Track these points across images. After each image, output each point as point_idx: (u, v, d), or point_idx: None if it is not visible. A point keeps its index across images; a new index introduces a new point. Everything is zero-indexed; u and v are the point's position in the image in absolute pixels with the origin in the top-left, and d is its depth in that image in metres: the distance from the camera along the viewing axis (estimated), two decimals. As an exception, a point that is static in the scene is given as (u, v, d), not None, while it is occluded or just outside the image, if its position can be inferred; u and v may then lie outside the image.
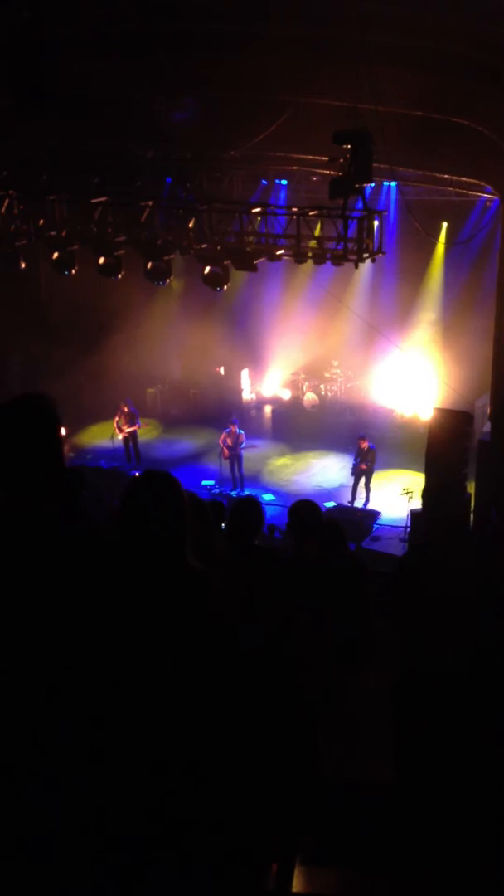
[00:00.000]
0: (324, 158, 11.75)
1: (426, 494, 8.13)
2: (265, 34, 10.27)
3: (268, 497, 15.78)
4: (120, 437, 17.46)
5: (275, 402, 21.27)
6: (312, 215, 13.13)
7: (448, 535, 4.54)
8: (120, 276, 14.56)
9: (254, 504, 4.66)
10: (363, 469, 15.58)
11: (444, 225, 18.14)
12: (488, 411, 14.30)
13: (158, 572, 2.24)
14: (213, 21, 10.51)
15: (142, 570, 2.24)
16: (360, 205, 11.87)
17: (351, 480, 15.86)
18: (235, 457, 16.45)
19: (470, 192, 15.83)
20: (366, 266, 13.37)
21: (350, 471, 15.85)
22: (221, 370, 21.55)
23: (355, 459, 15.72)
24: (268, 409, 21.21)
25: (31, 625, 2.00)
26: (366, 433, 16.08)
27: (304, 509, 5.03)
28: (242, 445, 16.46)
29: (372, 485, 15.70)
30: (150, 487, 2.38)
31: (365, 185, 11.36)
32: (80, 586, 2.06)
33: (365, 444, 15.51)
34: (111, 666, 2.06)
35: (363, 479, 15.66)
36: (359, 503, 15.53)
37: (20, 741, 1.97)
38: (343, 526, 5.71)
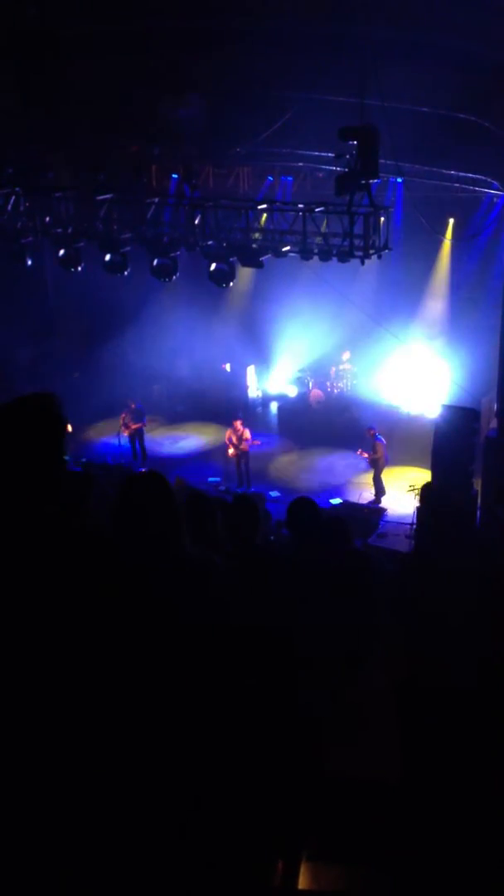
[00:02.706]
0: (330, 155, 11.74)
1: (426, 492, 8.10)
2: (270, 30, 10.26)
3: (274, 494, 15.78)
4: (126, 434, 17.47)
5: (281, 398, 21.27)
6: (318, 212, 13.12)
7: (453, 534, 4.54)
8: (126, 272, 14.58)
9: (249, 502, 4.65)
10: (366, 458, 15.59)
11: (451, 221, 18.10)
12: (495, 408, 14.29)
13: (155, 562, 2.25)
14: (218, 18, 10.50)
15: (139, 563, 2.25)
16: (366, 201, 11.85)
17: (362, 476, 15.91)
18: (242, 454, 16.44)
19: (476, 188, 15.79)
20: (372, 262, 13.35)
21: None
22: (227, 367, 21.54)
23: (368, 451, 15.76)
24: (274, 406, 21.21)
25: (28, 625, 1.99)
26: (374, 426, 16.02)
27: (302, 506, 5.04)
28: (247, 442, 16.45)
29: (379, 479, 15.67)
30: (139, 487, 2.41)
31: (371, 181, 11.34)
32: (78, 587, 2.06)
33: (371, 434, 15.49)
34: (111, 664, 2.06)
35: (373, 473, 15.65)
36: (365, 499, 15.51)
37: (19, 745, 1.97)
38: (349, 522, 5.70)
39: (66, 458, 2.28)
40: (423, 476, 14.26)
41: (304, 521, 4.98)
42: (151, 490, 2.42)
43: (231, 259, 13.56)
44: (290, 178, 17.96)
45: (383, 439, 15.59)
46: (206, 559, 2.46)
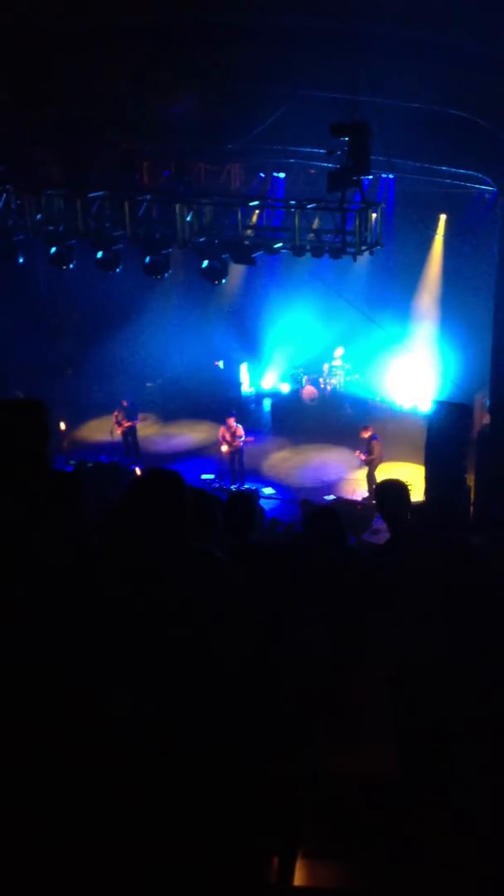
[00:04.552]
0: (321, 151, 11.72)
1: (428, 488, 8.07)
2: (262, 26, 10.23)
3: (268, 491, 15.78)
4: (119, 431, 17.44)
5: (274, 395, 21.28)
6: (310, 208, 13.10)
7: (440, 521, 4.56)
8: (118, 270, 14.55)
9: (247, 498, 4.67)
10: (363, 459, 15.62)
11: (443, 217, 18.13)
12: (487, 403, 14.31)
13: (162, 558, 2.24)
14: (210, 14, 10.47)
15: (145, 558, 2.24)
16: (357, 197, 11.84)
17: (356, 473, 15.88)
18: (236, 451, 16.45)
19: (468, 185, 15.79)
20: (364, 259, 13.34)
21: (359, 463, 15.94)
22: (220, 364, 21.53)
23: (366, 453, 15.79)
24: (267, 403, 21.21)
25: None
26: (369, 424, 16.06)
27: (315, 507, 5.10)
28: (241, 439, 16.46)
29: (373, 477, 15.68)
30: (152, 486, 2.39)
31: (363, 177, 11.32)
32: (53, 590, 2.03)
33: (367, 434, 15.52)
34: (107, 659, 2.05)
35: (367, 470, 15.68)
36: (359, 495, 15.53)
37: (15, 752, 1.96)
38: (343, 519, 5.70)
39: (68, 459, 2.27)
40: (416, 472, 14.28)
41: (307, 514, 5.03)
42: (164, 488, 2.40)
43: (223, 256, 13.54)
44: (282, 175, 17.93)
45: (379, 437, 15.63)
46: (208, 552, 2.45)
